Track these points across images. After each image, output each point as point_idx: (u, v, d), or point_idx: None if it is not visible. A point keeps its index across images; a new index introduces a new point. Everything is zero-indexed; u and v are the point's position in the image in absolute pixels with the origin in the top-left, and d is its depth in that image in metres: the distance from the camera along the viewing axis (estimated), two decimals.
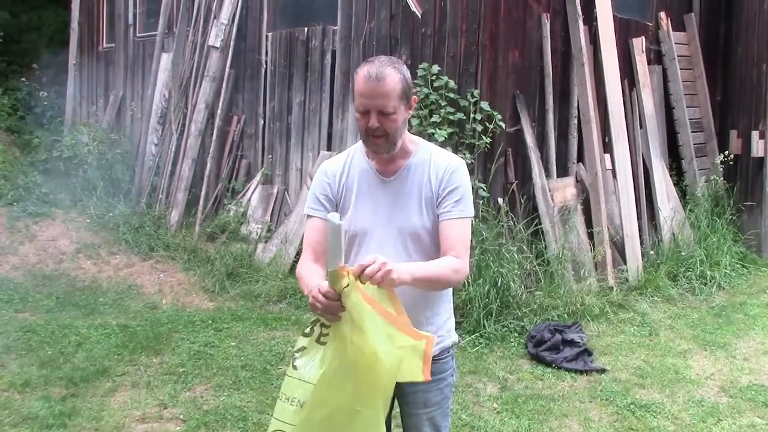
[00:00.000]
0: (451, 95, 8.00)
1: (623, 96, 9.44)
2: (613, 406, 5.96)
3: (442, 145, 7.20)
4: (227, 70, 10.60)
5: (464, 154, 7.71)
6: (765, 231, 10.52)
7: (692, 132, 10.62)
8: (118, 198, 11.23)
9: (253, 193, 10.17)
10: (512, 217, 8.10)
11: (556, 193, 8.56)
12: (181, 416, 5.63)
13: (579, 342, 6.90)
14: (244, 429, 5.45)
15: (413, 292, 3.15)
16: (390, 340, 2.78)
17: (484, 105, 8.02)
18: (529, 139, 8.44)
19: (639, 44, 9.93)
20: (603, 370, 6.63)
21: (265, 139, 10.38)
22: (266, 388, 6.14)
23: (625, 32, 9.77)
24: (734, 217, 10.34)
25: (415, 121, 7.77)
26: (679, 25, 10.86)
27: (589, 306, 7.82)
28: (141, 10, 13.07)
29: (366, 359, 2.75)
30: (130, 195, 11.48)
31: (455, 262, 3.14)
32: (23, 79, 15.12)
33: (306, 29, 9.72)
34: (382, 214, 3.23)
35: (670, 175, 10.26)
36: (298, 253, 8.65)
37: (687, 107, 10.60)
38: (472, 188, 3.43)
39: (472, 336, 7.16)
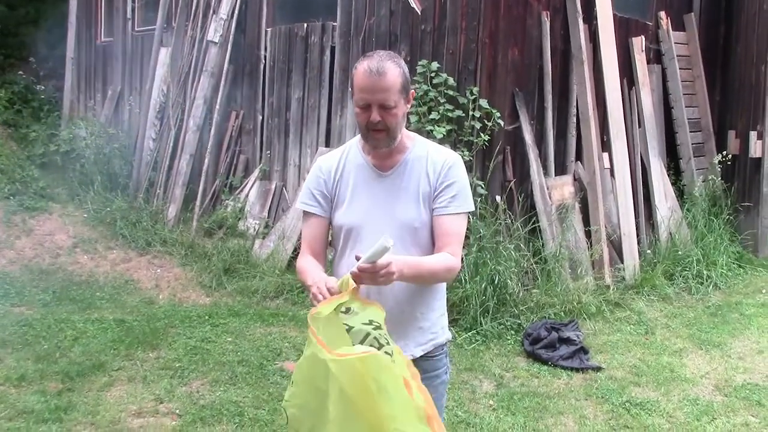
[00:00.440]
0: (450, 92, 8.00)
1: (622, 95, 9.44)
2: (609, 404, 5.97)
3: (441, 142, 7.19)
4: (226, 65, 10.59)
5: (463, 152, 7.71)
6: (762, 231, 10.54)
7: (690, 132, 10.63)
8: (116, 193, 11.22)
9: (251, 188, 10.16)
10: (510, 215, 8.10)
11: (554, 191, 8.56)
12: (177, 411, 5.63)
13: (575, 340, 6.91)
14: (240, 424, 5.45)
15: (408, 288, 3.17)
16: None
17: (483, 102, 8.02)
18: (528, 137, 8.44)
19: (639, 43, 9.94)
20: (599, 368, 6.65)
21: (264, 135, 10.38)
22: (262, 384, 6.14)
23: (624, 31, 9.77)
24: (731, 217, 10.35)
25: (413, 118, 7.77)
26: (678, 25, 10.87)
27: (585, 304, 7.83)
28: (139, 4, 13.04)
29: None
30: (128, 190, 11.48)
31: (449, 260, 3.16)
32: (20, 72, 15.06)
33: (305, 25, 9.72)
34: (379, 208, 3.23)
35: (668, 175, 10.27)
36: (296, 249, 8.68)
37: (686, 107, 10.60)
38: (471, 185, 3.42)
39: (469, 333, 7.16)
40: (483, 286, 7.36)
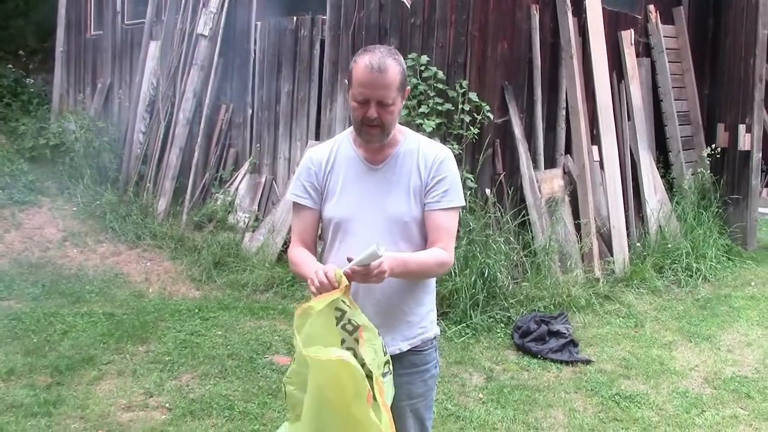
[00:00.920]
0: (440, 86, 8.00)
1: (611, 88, 9.45)
2: (598, 396, 5.99)
3: (431, 135, 7.20)
4: (216, 58, 10.56)
5: (452, 145, 7.71)
6: (750, 224, 10.59)
7: (680, 125, 10.65)
8: (105, 186, 11.18)
9: (240, 182, 10.15)
10: (500, 208, 8.12)
11: (543, 184, 8.57)
12: (167, 405, 5.62)
13: (565, 333, 6.93)
14: (230, 417, 5.44)
15: (397, 282, 3.17)
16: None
17: (473, 96, 8.02)
18: (518, 130, 8.45)
19: (628, 37, 9.94)
20: (588, 361, 6.66)
21: (253, 129, 10.36)
22: (252, 377, 6.14)
23: (614, 25, 9.78)
24: (720, 210, 10.39)
25: (403, 112, 7.75)
26: (667, 18, 10.88)
27: (575, 297, 7.85)
28: None
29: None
30: (118, 183, 11.45)
31: (441, 254, 3.17)
32: (10, 65, 15.01)
33: (295, 18, 9.70)
34: (369, 202, 3.23)
35: (658, 168, 10.29)
36: (286, 243, 8.67)
37: (675, 100, 10.63)
38: (461, 179, 3.43)
39: (459, 326, 7.17)
40: (473, 279, 7.36)
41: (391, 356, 3.03)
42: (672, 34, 10.90)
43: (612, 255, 8.90)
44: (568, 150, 9.05)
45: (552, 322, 7.08)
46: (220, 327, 7.27)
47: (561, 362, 6.63)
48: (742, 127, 10.57)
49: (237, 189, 10.10)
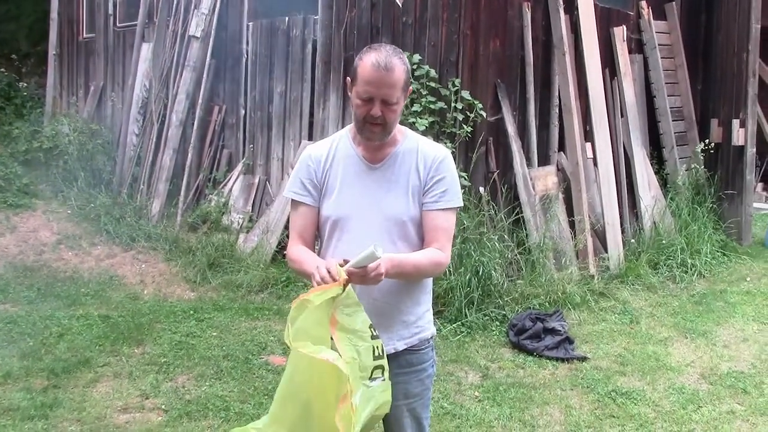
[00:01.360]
0: (432, 84, 8.01)
1: (604, 85, 9.46)
2: (594, 393, 5.99)
3: (423, 134, 7.18)
4: (208, 59, 10.56)
5: (445, 143, 7.71)
6: (745, 219, 10.60)
7: (673, 121, 10.66)
8: (99, 188, 11.16)
9: (234, 183, 10.15)
10: (493, 206, 8.12)
11: (537, 181, 8.58)
12: (163, 406, 5.62)
13: (560, 330, 6.93)
14: (226, 419, 5.44)
15: (395, 282, 3.16)
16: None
17: (465, 94, 8.03)
18: (510, 128, 8.45)
19: (620, 33, 9.95)
20: (584, 358, 6.67)
21: (247, 129, 10.36)
22: (248, 378, 6.14)
23: (606, 21, 9.79)
24: (715, 206, 10.41)
25: None
26: (660, 14, 10.89)
27: (570, 294, 7.85)
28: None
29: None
30: (111, 185, 11.43)
31: (437, 255, 3.17)
32: (2, 69, 15.00)
33: (287, 19, 9.69)
34: (368, 200, 3.22)
35: (651, 164, 10.30)
36: (280, 243, 8.68)
37: (668, 96, 10.64)
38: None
39: (454, 325, 7.17)
40: (467, 277, 7.37)
41: (387, 355, 3.02)
42: (664, 30, 10.92)
43: (606, 252, 8.90)
44: (562, 147, 9.05)
45: (547, 319, 7.09)
46: (215, 328, 7.26)
47: (557, 359, 6.63)
48: (735, 122, 10.59)
49: (231, 190, 10.09)
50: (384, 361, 2.97)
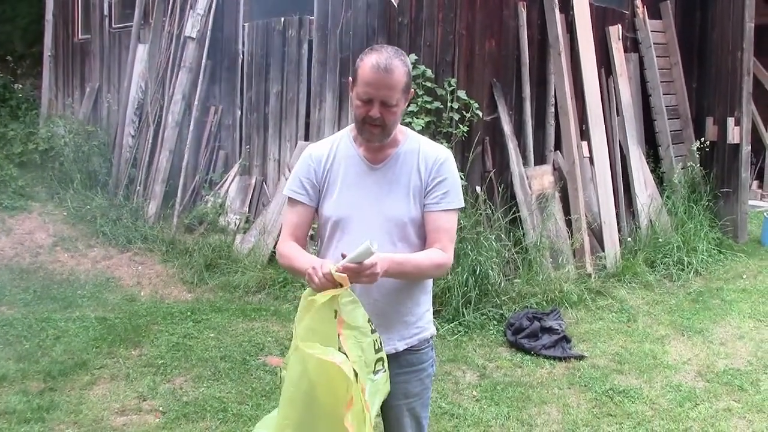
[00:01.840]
0: (428, 84, 8.00)
1: (600, 84, 9.46)
2: (592, 392, 6.00)
3: (420, 134, 7.19)
4: (204, 60, 10.55)
5: (442, 143, 7.69)
6: (741, 217, 10.62)
7: (669, 119, 10.67)
8: (96, 190, 11.16)
9: (231, 184, 10.14)
10: (490, 206, 8.12)
11: (533, 181, 8.58)
12: (161, 408, 5.61)
13: (557, 329, 6.93)
14: (223, 420, 5.44)
15: (396, 282, 3.17)
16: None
17: (461, 94, 8.03)
18: (507, 127, 8.45)
19: (615, 32, 9.95)
20: (581, 357, 6.67)
21: (243, 130, 10.35)
22: (245, 379, 6.13)
23: (601, 20, 9.80)
24: (711, 204, 10.42)
25: None
26: (655, 13, 10.90)
27: (567, 293, 7.86)
28: (116, 0, 12.98)
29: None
30: (108, 187, 11.43)
31: (439, 255, 3.17)
32: None
33: (282, 19, 9.69)
34: (368, 201, 3.22)
35: (647, 162, 10.30)
36: (277, 244, 8.64)
37: (663, 94, 10.65)
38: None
39: (451, 324, 7.18)
40: (465, 276, 7.37)
41: (387, 355, 3.04)
42: (659, 29, 10.93)
43: (603, 250, 8.91)
44: (558, 146, 9.06)
45: (544, 318, 7.09)
46: (212, 329, 7.26)
47: (554, 358, 6.64)
48: (730, 120, 10.60)
49: (227, 191, 10.08)
50: (383, 354, 3.01)
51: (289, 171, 3.16)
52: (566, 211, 8.82)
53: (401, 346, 3.27)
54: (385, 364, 3.01)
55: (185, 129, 10.68)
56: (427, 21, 8.22)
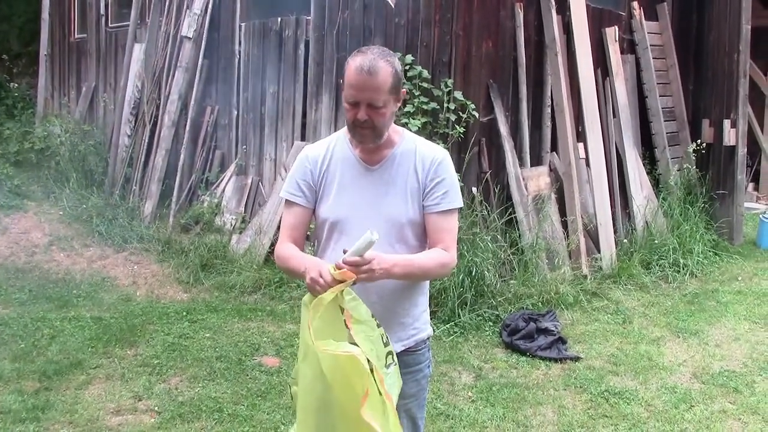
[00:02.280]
0: (425, 85, 8.00)
1: (596, 85, 9.47)
2: (587, 393, 6.00)
3: (416, 134, 7.20)
4: (200, 60, 10.53)
5: (438, 144, 7.70)
6: (737, 219, 10.63)
7: (665, 121, 10.68)
8: (91, 190, 11.15)
9: (227, 183, 10.13)
10: (486, 207, 8.12)
11: (530, 182, 8.59)
12: (156, 408, 5.61)
13: (553, 330, 6.93)
14: (219, 420, 5.44)
15: (393, 283, 3.17)
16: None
17: (458, 94, 8.03)
18: (503, 128, 8.46)
19: (612, 34, 9.96)
20: (577, 358, 6.68)
21: (239, 130, 10.34)
22: (241, 379, 6.13)
23: (598, 22, 9.80)
24: (707, 206, 10.42)
25: None
26: (651, 15, 10.91)
27: (563, 294, 7.86)
28: (113, 0, 12.99)
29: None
30: (104, 186, 11.41)
31: (442, 256, 3.17)
32: None
33: (279, 19, 9.68)
34: (366, 203, 3.23)
35: (644, 164, 10.32)
36: (273, 244, 8.65)
37: (660, 96, 10.65)
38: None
39: (447, 325, 7.17)
40: (460, 278, 7.37)
41: None
42: (656, 31, 10.94)
43: (599, 252, 8.92)
44: (554, 147, 9.06)
45: (540, 319, 7.09)
46: (208, 329, 7.25)
47: (550, 359, 6.64)
48: (727, 123, 10.61)
49: (223, 191, 10.08)
50: (391, 347, 3.03)
51: (286, 171, 3.17)
52: (562, 212, 8.82)
53: (399, 347, 3.27)
54: (395, 358, 3.02)
55: (181, 128, 10.67)
56: (424, 22, 8.22)
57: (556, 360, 6.64)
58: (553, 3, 8.79)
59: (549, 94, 8.99)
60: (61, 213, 10.63)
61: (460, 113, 8.01)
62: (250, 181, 9.96)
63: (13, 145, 12.20)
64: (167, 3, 11.00)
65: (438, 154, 3.29)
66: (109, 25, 12.99)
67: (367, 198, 3.23)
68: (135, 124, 11.50)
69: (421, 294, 3.38)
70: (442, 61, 8.17)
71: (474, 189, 8.19)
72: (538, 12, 8.88)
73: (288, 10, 9.58)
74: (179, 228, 9.96)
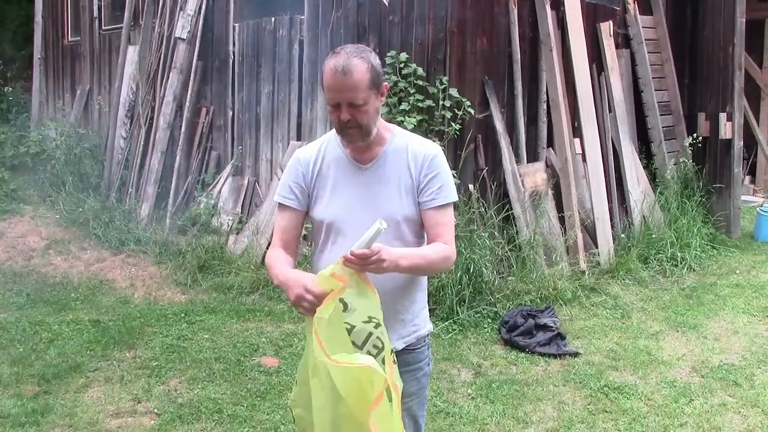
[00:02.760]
0: (420, 82, 8.00)
1: (592, 80, 9.46)
2: (587, 388, 6.00)
3: (412, 132, 7.19)
4: (195, 61, 10.52)
5: (434, 141, 7.68)
6: (734, 212, 10.63)
7: (661, 115, 10.67)
8: (88, 193, 11.13)
9: (223, 184, 10.12)
10: (483, 203, 8.12)
11: (526, 178, 8.58)
12: (156, 410, 5.60)
13: (552, 326, 6.93)
14: (218, 421, 5.43)
15: (392, 280, 3.16)
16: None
17: (453, 92, 8.02)
18: (499, 125, 8.45)
19: (606, 28, 9.95)
20: (576, 354, 6.67)
21: (235, 131, 10.33)
22: (240, 380, 6.12)
23: (592, 16, 9.79)
24: (703, 199, 10.41)
25: (384, 109, 7.74)
26: (646, 9, 10.90)
27: (561, 290, 7.85)
28: (106, 2, 12.96)
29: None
30: (100, 189, 11.40)
31: (445, 249, 3.18)
32: None
33: (273, 19, 9.67)
34: (360, 202, 3.22)
35: (640, 159, 10.31)
36: (270, 244, 8.63)
37: (655, 90, 10.64)
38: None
39: (446, 323, 7.17)
40: (458, 275, 7.37)
41: None
42: (650, 25, 10.92)
43: (597, 247, 8.91)
44: (550, 143, 9.06)
45: (539, 315, 7.09)
46: (206, 330, 7.24)
47: (549, 355, 6.64)
48: (722, 116, 10.61)
49: (220, 192, 10.06)
50: (390, 345, 3.01)
51: (282, 171, 3.14)
52: (559, 208, 8.81)
53: (400, 345, 3.27)
54: (394, 356, 3.02)
55: (177, 130, 10.66)
56: (418, 19, 8.21)
57: (555, 356, 6.64)
58: None
59: (544, 89, 8.98)
60: (57, 216, 10.62)
61: (456, 110, 8.01)
62: (246, 181, 9.95)
63: (9, 150, 12.18)
64: (160, 5, 10.98)
65: (430, 149, 3.28)
66: (103, 27, 12.98)
67: (361, 197, 3.22)
68: (130, 126, 11.49)
69: (420, 290, 3.37)
70: (437, 58, 8.16)
71: (471, 186, 8.19)
72: (532, 8, 8.87)
73: (282, 10, 9.57)
74: (176, 230, 9.95)
